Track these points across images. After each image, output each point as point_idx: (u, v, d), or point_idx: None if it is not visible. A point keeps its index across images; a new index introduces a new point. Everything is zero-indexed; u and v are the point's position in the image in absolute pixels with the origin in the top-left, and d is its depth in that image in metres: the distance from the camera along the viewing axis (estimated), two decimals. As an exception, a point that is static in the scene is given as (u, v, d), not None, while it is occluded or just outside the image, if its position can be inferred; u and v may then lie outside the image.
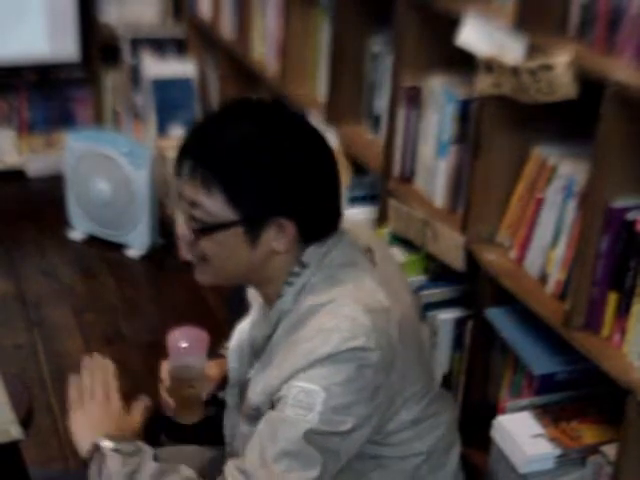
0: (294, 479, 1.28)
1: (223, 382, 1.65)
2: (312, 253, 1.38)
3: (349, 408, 1.30)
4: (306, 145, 1.38)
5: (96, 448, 1.39)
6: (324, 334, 1.30)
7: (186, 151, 1.37)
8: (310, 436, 1.28)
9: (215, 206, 1.33)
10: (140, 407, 1.52)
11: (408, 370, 1.39)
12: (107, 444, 1.39)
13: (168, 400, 1.63)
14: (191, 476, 1.37)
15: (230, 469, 1.32)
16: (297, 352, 1.31)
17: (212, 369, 1.68)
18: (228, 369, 1.61)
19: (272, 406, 1.35)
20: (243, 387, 1.51)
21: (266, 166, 1.32)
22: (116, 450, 1.38)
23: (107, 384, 1.52)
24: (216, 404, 1.65)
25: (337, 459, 1.33)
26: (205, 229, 1.35)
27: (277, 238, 1.36)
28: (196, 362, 1.60)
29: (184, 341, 1.59)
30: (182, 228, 1.39)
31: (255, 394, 1.39)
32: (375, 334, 1.31)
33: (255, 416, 1.39)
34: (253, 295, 1.59)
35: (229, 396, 1.58)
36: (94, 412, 1.47)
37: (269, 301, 1.44)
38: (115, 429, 1.44)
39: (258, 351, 1.46)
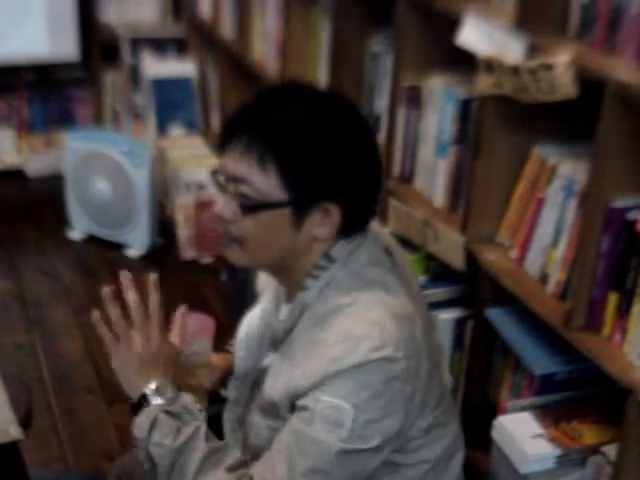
0: None
1: (226, 377, 1.63)
2: (340, 248, 1.37)
3: (378, 423, 1.28)
4: (360, 134, 1.37)
5: (144, 401, 1.40)
6: (352, 341, 1.27)
7: (242, 124, 1.32)
8: (341, 455, 1.27)
9: (268, 184, 1.30)
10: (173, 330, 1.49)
11: (429, 377, 1.38)
12: (157, 402, 1.39)
13: None
14: (235, 463, 1.35)
15: (258, 478, 1.30)
16: (323, 356, 1.29)
17: (218, 361, 1.66)
18: (234, 360, 1.59)
19: (292, 408, 1.33)
20: (256, 377, 1.49)
21: (323, 148, 1.31)
22: (167, 412, 1.36)
23: (140, 318, 1.46)
24: (217, 401, 1.64)
25: (364, 472, 1.32)
26: (253, 207, 1.31)
27: (321, 224, 1.33)
28: (201, 348, 1.58)
29: (191, 327, 1.58)
30: (222, 207, 1.34)
31: (274, 389, 1.36)
32: (403, 343, 1.29)
33: (270, 410, 1.37)
34: (264, 283, 1.56)
35: (231, 389, 1.57)
36: (133, 359, 1.44)
37: (291, 293, 1.41)
38: (162, 373, 1.42)
39: (276, 343, 1.43)
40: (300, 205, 1.31)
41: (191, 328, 1.57)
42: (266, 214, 1.32)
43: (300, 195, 1.31)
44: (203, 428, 1.36)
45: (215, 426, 1.61)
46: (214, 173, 1.37)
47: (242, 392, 1.55)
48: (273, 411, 1.37)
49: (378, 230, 1.50)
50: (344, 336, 1.28)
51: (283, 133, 1.30)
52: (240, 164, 1.31)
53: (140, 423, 1.38)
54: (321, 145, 1.31)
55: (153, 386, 1.40)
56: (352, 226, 1.37)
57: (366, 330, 1.28)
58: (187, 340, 1.56)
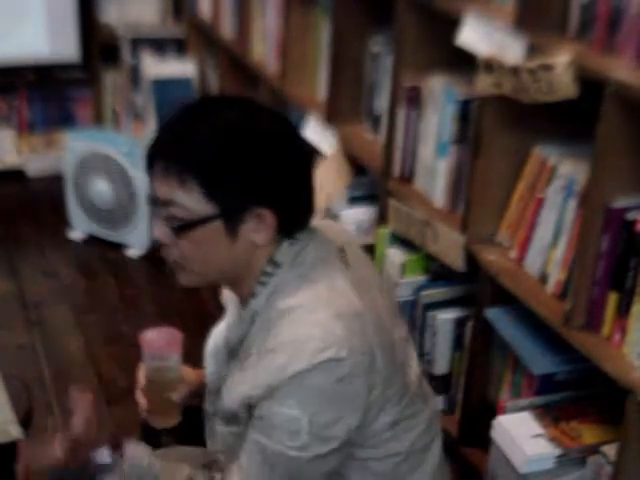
0: None
1: (200, 391, 1.62)
2: (285, 252, 1.37)
3: (335, 424, 1.30)
4: (278, 135, 1.37)
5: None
6: (296, 346, 1.28)
7: (157, 150, 1.35)
8: (307, 463, 1.30)
9: (192, 201, 1.31)
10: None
11: (389, 371, 1.37)
12: None
13: (142, 402, 1.61)
14: None
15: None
16: (271, 364, 1.29)
17: (190, 376, 1.66)
18: (206, 376, 1.60)
19: (250, 414, 1.34)
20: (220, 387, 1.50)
21: (240, 155, 1.31)
22: None
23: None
24: (189, 415, 1.63)
25: (329, 469, 1.35)
26: (184, 226, 1.32)
27: (257, 230, 1.34)
28: (171, 362, 1.58)
29: (158, 341, 1.58)
30: (159, 231, 1.36)
31: (230, 398, 1.38)
32: (347, 342, 1.29)
33: (230, 418, 1.39)
34: (228, 297, 1.57)
35: (208, 404, 1.56)
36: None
37: (243, 301, 1.42)
38: None
39: (233, 352, 1.45)
40: (229, 215, 1.32)
41: (162, 343, 1.57)
42: (198, 231, 1.32)
43: (227, 206, 1.31)
44: None
45: (188, 437, 1.61)
46: (148, 199, 1.39)
47: (213, 408, 1.55)
48: (233, 419, 1.38)
49: (332, 228, 1.50)
50: (289, 341, 1.29)
51: (197, 149, 1.31)
52: (163, 187, 1.32)
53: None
54: (237, 153, 1.31)
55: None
56: (290, 226, 1.37)
57: (309, 333, 1.29)
58: (161, 356, 1.56)
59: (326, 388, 1.28)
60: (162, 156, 1.33)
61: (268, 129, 1.36)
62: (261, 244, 1.35)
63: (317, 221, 1.47)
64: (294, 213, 1.38)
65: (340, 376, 1.28)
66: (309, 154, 1.42)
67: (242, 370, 1.37)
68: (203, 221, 1.31)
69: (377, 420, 1.38)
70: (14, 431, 1.56)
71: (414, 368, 1.49)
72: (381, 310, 1.44)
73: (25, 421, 1.66)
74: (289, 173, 1.35)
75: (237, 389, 1.36)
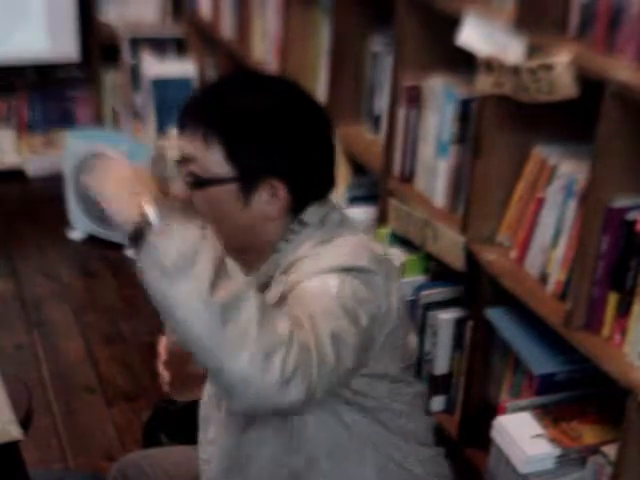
0: (338, 326, 1.22)
1: None
2: (313, 212, 1.40)
3: (362, 300, 1.28)
4: (304, 109, 1.42)
5: (146, 222, 1.14)
6: (324, 259, 1.31)
7: (188, 110, 1.41)
8: (337, 300, 1.24)
9: (213, 161, 1.35)
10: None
11: (399, 321, 1.38)
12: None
13: (164, 375, 1.61)
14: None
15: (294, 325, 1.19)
16: (294, 280, 1.30)
17: None
18: None
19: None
20: None
21: (265, 124, 1.36)
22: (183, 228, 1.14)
23: None
24: (189, 414, 1.63)
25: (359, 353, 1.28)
26: (200, 182, 1.36)
27: (269, 202, 1.37)
28: None
29: None
30: (176, 187, 1.40)
31: None
32: (375, 261, 1.33)
33: None
34: None
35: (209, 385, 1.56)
36: (124, 171, 1.25)
37: (248, 267, 1.38)
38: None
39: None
40: (245, 180, 1.36)
41: None
42: (213, 190, 1.36)
43: (244, 170, 1.35)
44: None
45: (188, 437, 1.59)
46: (179, 156, 1.42)
47: (214, 390, 1.55)
48: None
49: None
50: (318, 257, 1.32)
51: (225, 111, 1.37)
52: (189, 145, 1.38)
53: (179, 245, 1.12)
54: (262, 121, 1.36)
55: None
56: (302, 203, 1.40)
57: (336, 252, 1.33)
58: None
59: (354, 284, 1.28)
60: (192, 116, 1.39)
61: (295, 104, 1.41)
62: (271, 217, 1.38)
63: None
64: (308, 190, 1.41)
65: (369, 280, 1.30)
66: (332, 135, 1.45)
67: None
68: (218, 181, 1.36)
69: (384, 361, 1.38)
70: (14, 431, 1.56)
71: (413, 350, 1.50)
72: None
73: (25, 421, 1.66)
74: (308, 148, 1.40)
75: None
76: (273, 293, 1.36)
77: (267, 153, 1.36)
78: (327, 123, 1.45)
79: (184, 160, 1.39)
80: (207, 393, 1.56)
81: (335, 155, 1.46)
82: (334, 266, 1.29)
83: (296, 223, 1.40)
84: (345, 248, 1.34)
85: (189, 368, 1.57)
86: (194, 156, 1.37)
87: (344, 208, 1.46)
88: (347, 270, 1.29)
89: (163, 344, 1.62)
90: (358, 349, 1.26)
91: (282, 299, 1.29)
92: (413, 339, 1.51)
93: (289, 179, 1.36)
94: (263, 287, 1.39)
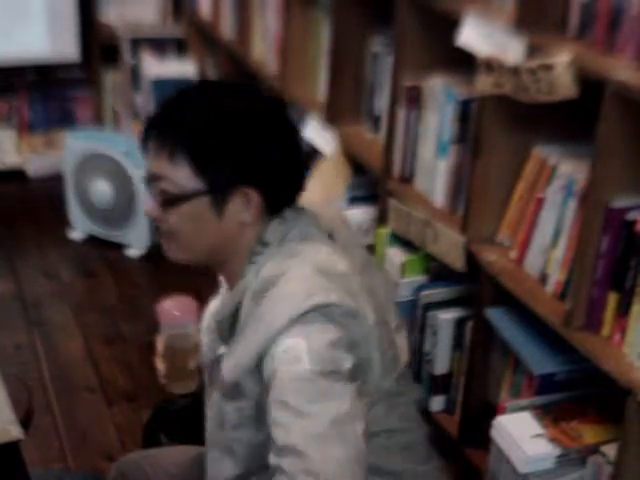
0: (331, 409, 1.24)
1: None
2: (273, 231, 1.40)
3: (337, 345, 1.28)
4: (267, 114, 1.41)
5: None
6: (283, 300, 1.30)
7: (151, 127, 1.40)
8: (316, 377, 1.25)
9: (181, 177, 1.35)
10: None
11: (379, 332, 1.37)
12: None
13: (160, 368, 1.63)
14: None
15: (283, 461, 1.24)
16: (261, 325, 1.31)
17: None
18: (202, 350, 1.60)
19: (255, 380, 1.33)
20: (214, 365, 1.50)
21: (230, 134, 1.35)
22: None
23: None
24: (188, 413, 1.64)
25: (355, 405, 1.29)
26: (172, 200, 1.36)
27: (243, 209, 1.37)
28: (188, 330, 1.60)
29: (175, 310, 1.60)
30: (149, 205, 1.41)
31: (229, 370, 1.38)
32: (334, 290, 1.30)
33: (234, 392, 1.38)
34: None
35: (206, 375, 1.57)
36: None
37: (231, 283, 1.44)
38: None
39: (224, 331, 1.44)
40: (216, 193, 1.36)
41: (178, 311, 1.59)
42: (186, 206, 1.36)
43: (214, 183, 1.35)
44: None
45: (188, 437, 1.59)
46: (143, 176, 1.42)
47: (209, 379, 1.55)
48: (237, 392, 1.37)
49: (326, 215, 1.50)
50: (275, 300, 1.31)
51: (188, 126, 1.36)
52: (155, 162, 1.38)
53: None
54: (227, 132, 1.35)
55: None
56: (278, 205, 1.40)
57: (294, 286, 1.31)
58: (178, 324, 1.58)
59: (318, 327, 1.28)
60: (156, 132, 1.38)
61: (259, 110, 1.40)
62: (247, 223, 1.38)
63: (312, 205, 1.48)
64: (281, 192, 1.41)
65: (332, 317, 1.29)
66: (298, 135, 1.45)
67: (238, 345, 1.37)
68: (190, 196, 1.36)
69: (373, 379, 1.36)
70: (14, 431, 1.56)
71: (405, 354, 1.49)
72: (375, 283, 1.45)
73: (25, 421, 1.66)
74: (277, 154, 1.39)
75: (235, 359, 1.36)
76: (243, 319, 1.37)
77: (235, 163, 1.35)
78: (292, 124, 1.44)
79: (153, 179, 1.38)
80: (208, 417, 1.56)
81: (303, 154, 1.45)
82: (294, 315, 1.27)
83: (258, 244, 1.39)
84: (300, 284, 1.31)
85: (183, 362, 1.59)
86: (162, 174, 1.36)
87: (306, 217, 1.43)
88: (306, 314, 1.27)
89: (160, 339, 1.63)
90: (356, 395, 1.28)
91: (266, 385, 1.30)
92: (402, 341, 1.48)
93: (260, 184, 1.36)
94: (238, 304, 1.39)
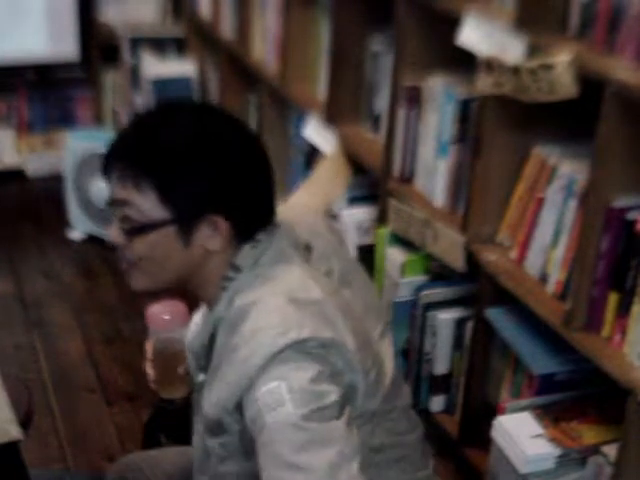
0: (325, 457, 1.22)
1: None
2: (245, 256, 1.36)
3: (319, 379, 1.25)
4: (235, 142, 1.36)
5: None
6: (256, 336, 1.27)
7: (114, 153, 1.35)
8: (299, 424, 1.23)
9: (147, 205, 1.31)
10: None
11: (362, 355, 1.34)
12: None
13: (150, 373, 1.62)
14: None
15: None
16: (237, 360, 1.28)
17: None
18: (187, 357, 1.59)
19: (235, 419, 1.31)
20: (198, 390, 1.47)
21: (197, 162, 1.31)
22: None
23: None
24: (187, 412, 1.63)
25: (347, 441, 1.26)
26: (137, 229, 1.32)
27: (211, 237, 1.33)
28: (177, 335, 1.60)
29: (165, 314, 1.60)
30: (113, 232, 1.36)
31: (210, 406, 1.35)
32: (308, 322, 1.27)
33: (216, 428, 1.35)
34: None
35: (193, 398, 1.54)
36: None
37: (209, 306, 1.41)
38: None
39: (200, 359, 1.42)
40: (183, 221, 1.32)
41: (167, 316, 1.59)
42: (152, 235, 1.32)
43: (181, 211, 1.31)
44: None
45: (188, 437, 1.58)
46: (110, 200, 1.38)
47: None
48: (219, 429, 1.35)
49: (301, 222, 1.47)
50: (250, 334, 1.28)
51: (154, 153, 1.31)
52: (119, 188, 1.33)
53: None
54: (194, 160, 1.31)
55: None
56: (247, 231, 1.36)
57: (266, 320, 1.28)
58: (167, 329, 1.57)
59: (296, 364, 1.25)
60: (119, 159, 1.33)
61: (225, 136, 1.35)
62: (214, 251, 1.35)
63: (286, 212, 1.44)
64: (250, 219, 1.37)
65: (306, 353, 1.26)
66: (266, 159, 1.40)
67: (216, 377, 1.34)
68: (156, 225, 1.32)
69: (356, 404, 1.34)
70: (14, 431, 1.56)
71: (390, 366, 1.46)
72: (354, 299, 1.42)
73: (25, 421, 1.66)
74: (245, 181, 1.35)
75: (215, 395, 1.33)
76: (218, 350, 1.34)
77: (203, 191, 1.31)
78: (258, 145, 1.40)
79: (116, 204, 1.34)
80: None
81: (272, 177, 1.40)
82: (268, 355, 1.24)
83: (230, 269, 1.36)
84: (272, 317, 1.28)
85: (173, 366, 1.58)
86: (126, 200, 1.32)
87: (279, 236, 1.39)
88: (281, 352, 1.24)
89: (150, 344, 1.63)
90: (347, 429, 1.25)
91: (250, 427, 1.27)
92: (386, 348, 1.45)
93: (228, 211, 1.32)
94: (212, 330, 1.37)
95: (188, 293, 1.46)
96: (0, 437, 1.55)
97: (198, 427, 1.44)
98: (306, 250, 1.42)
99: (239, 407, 1.29)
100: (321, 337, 1.27)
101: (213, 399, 1.33)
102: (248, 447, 1.32)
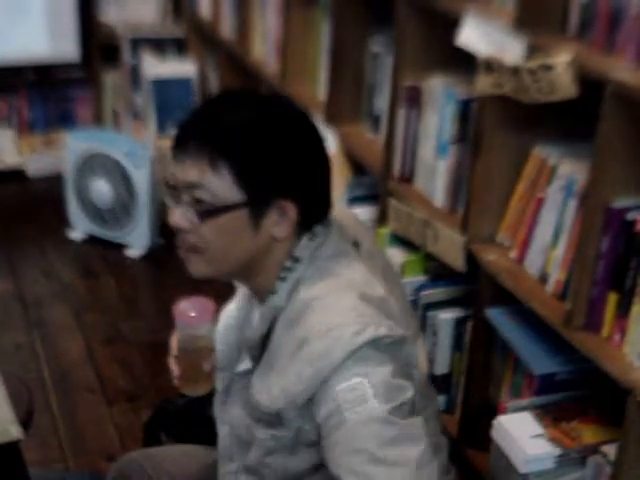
0: (412, 452, 1.24)
1: None
2: (304, 247, 1.36)
3: (396, 378, 1.27)
4: (305, 131, 1.38)
5: None
6: (334, 333, 1.26)
7: (190, 131, 1.33)
8: (387, 419, 1.24)
9: (222, 186, 1.30)
10: None
11: (411, 353, 1.37)
12: None
13: (174, 369, 1.62)
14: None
15: None
16: (311, 355, 1.27)
17: None
18: (215, 351, 1.59)
19: (300, 413, 1.31)
20: (231, 381, 1.48)
21: (273, 146, 1.31)
22: None
23: None
24: (188, 413, 1.63)
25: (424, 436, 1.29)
26: (211, 211, 1.30)
27: (279, 223, 1.33)
28: (204, 331, 1.59)
29: (192, 311, 1.59)
30: (179, 216, 1.34)
31: (271, 398, 1.34)
32: (383, 320, 1.29)
33: (272, 421, 1.35)
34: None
35: (219, 380, 1.55)
36: None
37: (260, 296, 1.41)
38: None
39: (253, 349, 1.42)
40: (256, 204, 1.32)
41: (194, 312, 1.58)
42: (224, 217, 1.31)
43: (255, 194, 1.31)
44: None
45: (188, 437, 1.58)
46: (167, 185, 1.36)
47: (225, 384, 1.53)
48: (276, 421, 1.34)
49: (346, 221, 1.49)
50: (325, 329, 1.27)
51: (231, 133, 1.31)
52: (192, 170, 1.30)
53: None
54: (270, 142, 1.32)
55: None
56: (310, 221, 1.37)
57: (342, 318, 1.28)
58: (193, 325, 1.56)
59: (374, 360, 1.26)
60: (196, 137, 1.31)
61: (297, 124, 1.37)
62: (281, 237, 1.34)
63: (334, 211, 1.46)
64: (315, 207, 1.38)
65: (384, 349, 1.27)
66: (327, 152, 1.42)
67: (275, 370, 1.34)
68: (230, 208, 1.30)
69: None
70: (14, 431, 1.56)
71: (424, 363, 1.48)
72: (399, 299, 1.45)
73: (25, 421, 1.66)
74: (314, 168, 1.37)
75: (278, 387, 1.33)
76: (277, 342, 1.34)
77: (277, 174, 1.31)
78: (322, 138, 1.41)
79: (186, 187, 1.32)
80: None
81: (332, 170, 1.42)
82: (348, 352, 1.25)
83: (289, 259, 1.36)
84: (347, 315, 1.28)
85: (197, 363, 1.58)
86: (200, 182, 1.30)
87: (335, 231, 1.40)
88: (359, 349, 1.25)
89: (174, 340, 1.62)
90: (425, 426, 1.29)
91: (322, 425, 1.28)
92: (420, 349, 1.46)
93: (297, 197, 1.33)
94: (271, 321, 1.37)
95: (242, 281, 1.45)
96: (0, 437, 1.55)
97: (235, 414, 1.44)
98: (354, 246, 1.44)
99: (309, 404, 1.29)
100: (396, 334, 1.29)
101: (274, 391, 1.33)
102: (300, 443, 1.33)
